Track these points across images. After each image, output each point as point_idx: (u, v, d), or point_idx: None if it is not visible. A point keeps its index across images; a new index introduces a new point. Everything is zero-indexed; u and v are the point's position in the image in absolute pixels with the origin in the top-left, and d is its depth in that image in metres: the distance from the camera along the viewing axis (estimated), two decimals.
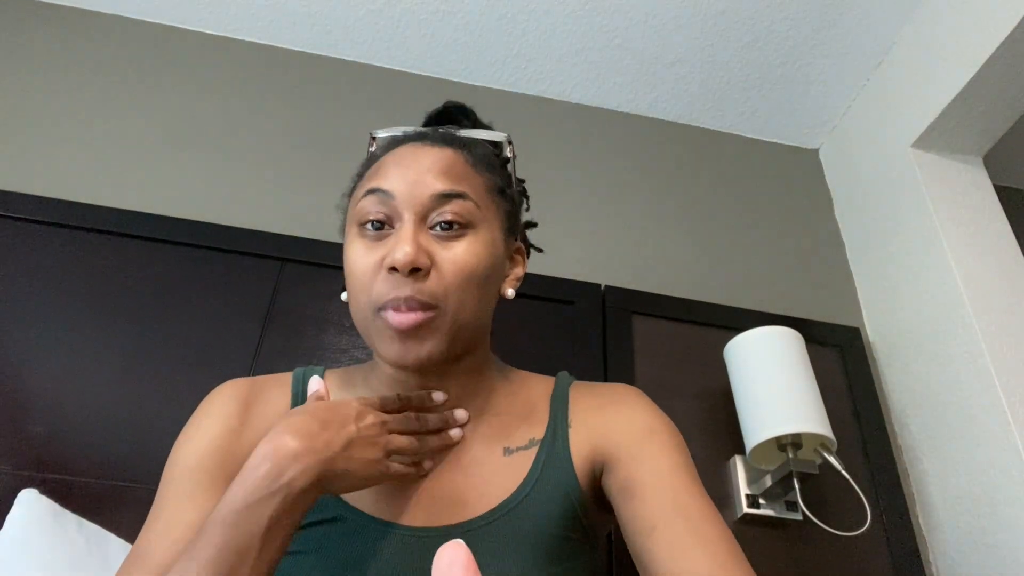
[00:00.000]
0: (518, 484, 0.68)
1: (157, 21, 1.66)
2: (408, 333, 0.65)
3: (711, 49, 1.65)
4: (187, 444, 0.70)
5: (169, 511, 0.64)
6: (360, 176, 0.76)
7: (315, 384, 0.67)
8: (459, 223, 0.68)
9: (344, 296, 0.74)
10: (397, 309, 0.64)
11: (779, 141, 1.84)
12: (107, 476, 1.06)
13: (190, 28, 1.67)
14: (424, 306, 0.65)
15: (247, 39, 1.69)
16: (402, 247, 0.64)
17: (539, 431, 0.72)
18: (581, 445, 0.71)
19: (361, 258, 0.68)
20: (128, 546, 0.94)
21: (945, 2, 1.46)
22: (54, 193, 1.34)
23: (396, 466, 0.65)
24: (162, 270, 1.28)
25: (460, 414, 0.72)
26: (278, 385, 0.77)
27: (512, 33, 1.65)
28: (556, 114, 1.75)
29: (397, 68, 1.73)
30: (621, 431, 0.70)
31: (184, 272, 1.28)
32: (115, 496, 1.05)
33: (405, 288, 0.64)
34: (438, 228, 0.67)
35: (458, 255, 0.67)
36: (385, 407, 0.67)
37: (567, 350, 1.32)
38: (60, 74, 1.53)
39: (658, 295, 1.46)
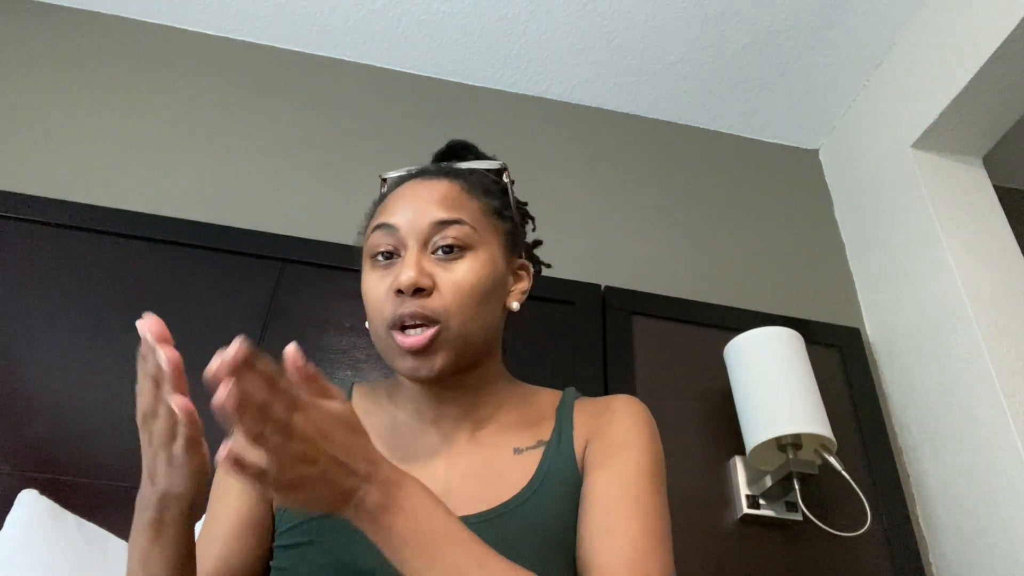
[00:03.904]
0: (528, 479, 0.71)
1: (157, 21, 1.66)
2: (418, 352, 0.71)
3: (711, 49, 1.65)
4: None
5: (210, 514, 0.76)
6: (371, 215, 0.83)
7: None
8: (458, 246, 0.75)
9: (367, 324, 0.81)
10: (405, 329, 0.71)
11: (779, 141, 1.84)
12: (107, 476, 1.06)
13: (190, 28, 1.67)
14: (428, 320, 0.71)
15: (247, 39, 1.69)
16: (406, 272, 0.71)
17: (546, 434, 0.76)
18: (580, 446, 0.75)
19: (375, 287, 0.75)
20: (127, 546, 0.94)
21: (945, 2, 1.46)
22: (54, 193, 1.34)
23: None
24: (162, 270, 1.28)
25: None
26: None
27: (512, 33, 1.65)
28: (556, 114, 1.75)
29: (397, 68, 1.73)
30: (602, 439, 0.74)
31: (184, 272, 1.28)
32: (115, 496, 1.05)
33: (411, 305, 0.71)
34: (440, 252, 0.74)
35: (457, 276, 0.73)
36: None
37: (567, 351, 1.32)
38: (60, 74, 1.53)
39: (658, 295, 1.46)
